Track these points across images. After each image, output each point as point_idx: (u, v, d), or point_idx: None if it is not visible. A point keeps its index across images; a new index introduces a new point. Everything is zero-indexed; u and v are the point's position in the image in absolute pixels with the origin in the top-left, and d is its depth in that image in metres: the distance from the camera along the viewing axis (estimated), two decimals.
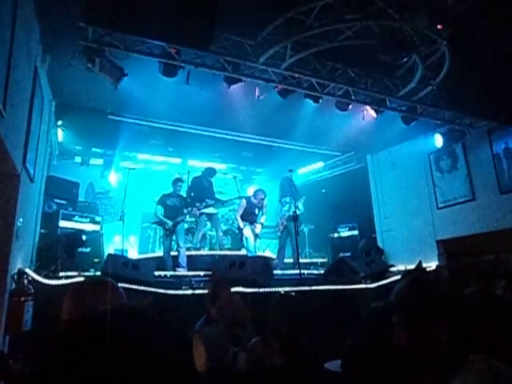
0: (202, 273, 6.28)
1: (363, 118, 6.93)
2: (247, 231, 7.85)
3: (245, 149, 9.59)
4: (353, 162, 10.13)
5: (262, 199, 7.95)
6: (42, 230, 6.08)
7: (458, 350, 1.34)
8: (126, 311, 0.85)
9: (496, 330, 1.46)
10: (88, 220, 7.44)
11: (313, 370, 2.70)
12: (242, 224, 7.86)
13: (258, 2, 4.71)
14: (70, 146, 8.89)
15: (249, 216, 7.93)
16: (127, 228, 7.69)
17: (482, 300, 1.73)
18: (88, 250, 6.75)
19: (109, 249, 8.25)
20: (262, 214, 8.11)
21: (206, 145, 9.01)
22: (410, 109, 6.83)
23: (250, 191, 9.95)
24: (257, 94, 6.05)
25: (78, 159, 9.57)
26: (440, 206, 8.03)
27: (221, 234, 8.22)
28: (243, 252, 7.70)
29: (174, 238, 7.18)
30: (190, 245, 8.03)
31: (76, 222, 7.20)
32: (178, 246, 7.05)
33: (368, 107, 6.71)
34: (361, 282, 6.31)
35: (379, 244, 8.91)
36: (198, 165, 10.19)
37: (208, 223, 8.38)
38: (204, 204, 7.73)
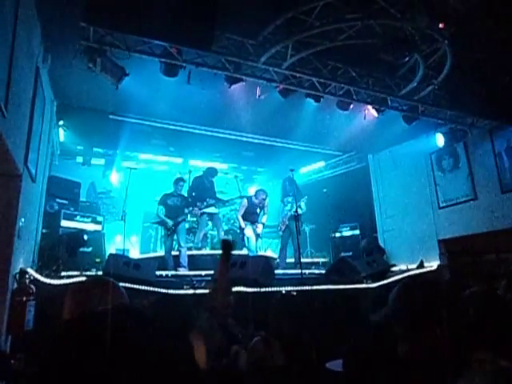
0: (203, 272, 6.29)
1: (364, 118, 6.92)
2: (248, 231, 7.85)
3: (246, 148, 9.59)
4: (354, 161, 10.12)
5: (264, 199, 7.96)
6: (43, 230, 6.10)
7: (460, 350, 1.34)
8: (126, 311, 0.85)
9: (497, 331, 1.46)
10: (89, 220, 7.46)
11: (314, 369, 2.70)
12: (243, 224, 7.86)
13: (259, 1, 4.70)
14: (71, 146, 8.90)
15: (250, 216, 7.93)
16: (129, 228, 7.71)
17: (483, 300, 1.73)
18: (89, 249, 6.76)
19: (110, 248, 8.27)
20: (264, 214, 8.11)
21: (207, 144, 9.02)
22: (412, 108, 6.82)
23: (251, 191, 9.96)
24: (258, 93, 6.05)
25: (79, 159, 9.58)
26: (441, 205, 8.02)
27: (222, 233, 8.22)
28: (245, 252, 7.70)
29: (175, 237, 7.18)
30: (191, 244, 8.04)
31: (78, 221, 7.22)
32: (179, 245, 7.05)
33: (369, 107, 6.70)
34: (362, 282, 6.32)
35: (380, 244, 8.90)
36: (199, 165, 10.20)
37: (209, 223, 8.38)
38: (205, 204, 7.74)
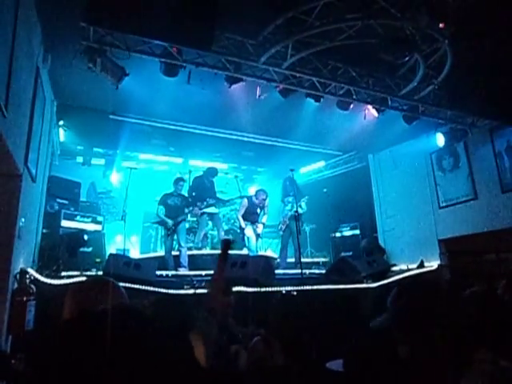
0: (203, 272, 6.29)
1: (365, 118, 6.91)
2: (249, 231, 7.85)
3: (246, 148, 9.59)
4: (354, 161, 10.11)
5: (264, 199, 7.96)
6: (44, 230, 6.11)
7: (461, 350, 1.33)
8: (126, 310, 0.85)
9: (497, 331, 1.46)
10: (90, 220, 7.47)
11: (314, 369, 2.70)
12: (243, 224, 7.86)
13: (259, 1, 4.70)
14: (71, 146, 8.91)
15: (250, 216, 7.94)
16: (129, 228, 7.71)
17: (484, 300, 1.73)
18: (90, 249, 6.77)
19: (110, 248, 8.28)
20: (264, 214, 8.11)
21: (207, 144, 9.02)
22: (412, 108, 6.82)
23: (252, 191, 9.96)
24: (258, 93, 6.05)
25: (79, 159, 9.59)
26: (442, 205, 8.01)
27: (222, 233, 8.23)
28: (245, 252, 7.71)
29: (175, 237, 7.18)
30: (191, 244, 8.04)
31: (78, 221, 7.22)
32: (180, 245, 7.05)
33: (369, 106, 6.69)
34: (362, 282, 6.31)
35: (381, 243, 8.90)
36: (199, 164, 10.20)
37: (210, 223, 8.39)
38: (205, 203, 7.74)
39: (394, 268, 7.50)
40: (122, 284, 1.61)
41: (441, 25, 4.78)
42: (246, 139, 8.40)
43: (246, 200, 8.05)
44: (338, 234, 9.44)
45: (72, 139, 8.30)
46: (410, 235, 8.42)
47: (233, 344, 2.70)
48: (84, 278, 4.46)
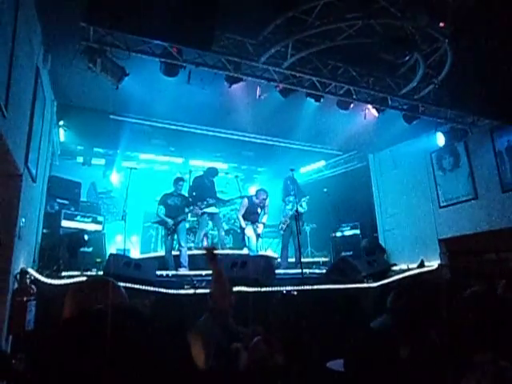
0: (203, 272, 6.29)
1: (365, 117, 6.91)
2: (249, 231, 7.86)
3: (246, 148, 9.60)
4: (354, 160, 10.11)
5: (264, 199, 7.96)
6: (44, 230, 6.11)
7: (461, 350, 1.33)
8: (126, 310, 0.85)
9: (497, 331, 1.46)
10: (90, 220, 7.47)
11: (314, 369, 2.70)
12: (243, 223, 7.86)
13: (259, 1, 4.70)
14: (71, 146, 8.91)
15: (251, 215, 7.94)
16: (129, 228, 7.70)
17: (484, 300, 1.73)
18: (90, 249, 6.78)
19: (111, 248, 8.28)
20: (264, 214, 8.11)
21: (207, 144, 9.03)
22: (412, 107, 6.81)
23: (252, 191, 9.96)
24: (258, 93, 6.04)
25: (79, 159, 9.59)
26: (442, 204, 8.01)
27: (223, 233, 8.23)
28: (245, 251, 7.71)
29: (175, 237, 7.18)
30: (191, 244, 8.04)
31: (78, 221, 7.22)
32: (180, 245, 7.05)
33: (370, 106, 6.69)
34: (363, 281, 6.31)
35: (381, 243, 8.90)
36: (199, 164, 10.20)
37: (210, 222, 8.38)
38: (206, 203, 7.74)
39: (395, 268, 7.49)
40: (122, 284, 1.61)
41: (441, 24, 4.78)
42: (246, 139, 8.40)
43: (246, 200, 8.05)
44: (338, 234, 9.44)
45: (72, 139, 8.30)
46: (410, 235, 8.42)
47: (231, 341, 2.70)
48: (84, 278, 4.46)
